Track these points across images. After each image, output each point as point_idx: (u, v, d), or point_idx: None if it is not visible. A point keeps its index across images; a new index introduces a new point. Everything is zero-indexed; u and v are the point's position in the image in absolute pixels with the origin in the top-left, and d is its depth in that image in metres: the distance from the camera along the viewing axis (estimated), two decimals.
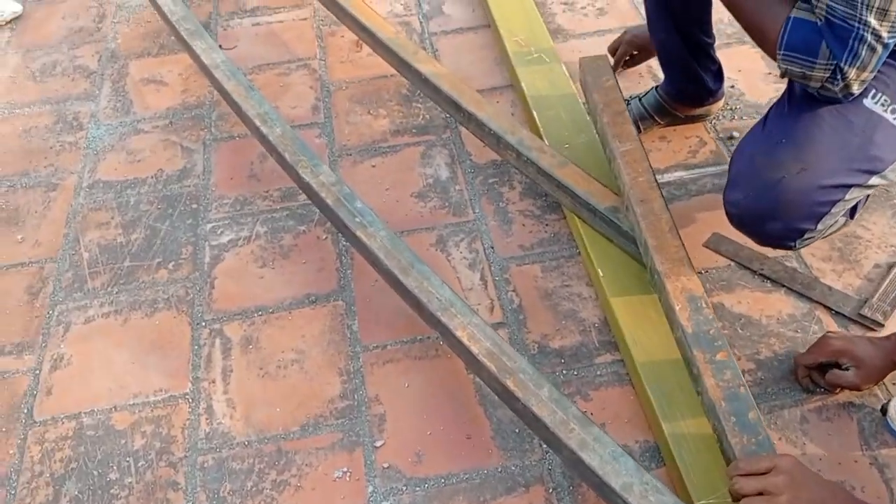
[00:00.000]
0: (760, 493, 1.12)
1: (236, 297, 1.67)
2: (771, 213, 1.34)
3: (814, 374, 1.41)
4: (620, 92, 1.76)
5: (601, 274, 1.56)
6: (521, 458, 1.38)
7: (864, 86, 1.29)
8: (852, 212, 1.55)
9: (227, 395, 1.50)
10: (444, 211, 1.82)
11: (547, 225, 1.76)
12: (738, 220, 1.42)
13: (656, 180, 1.56)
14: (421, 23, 2.38)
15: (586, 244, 1.62)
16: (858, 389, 1.36)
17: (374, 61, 2.18)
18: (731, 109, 1.99)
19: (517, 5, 2.26)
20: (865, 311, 1.52)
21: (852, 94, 1.28)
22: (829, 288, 1.58)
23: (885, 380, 1.40)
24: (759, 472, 1.14)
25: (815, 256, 1.64)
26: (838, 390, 1.40)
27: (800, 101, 1.37)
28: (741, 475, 1.16)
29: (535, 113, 1.91)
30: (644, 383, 1.39)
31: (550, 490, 1.33)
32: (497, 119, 1.80)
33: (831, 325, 1.52)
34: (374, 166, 1.94)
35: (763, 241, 1.45)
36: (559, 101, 1.93)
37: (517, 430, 1.41)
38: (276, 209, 1.85)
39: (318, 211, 1.80)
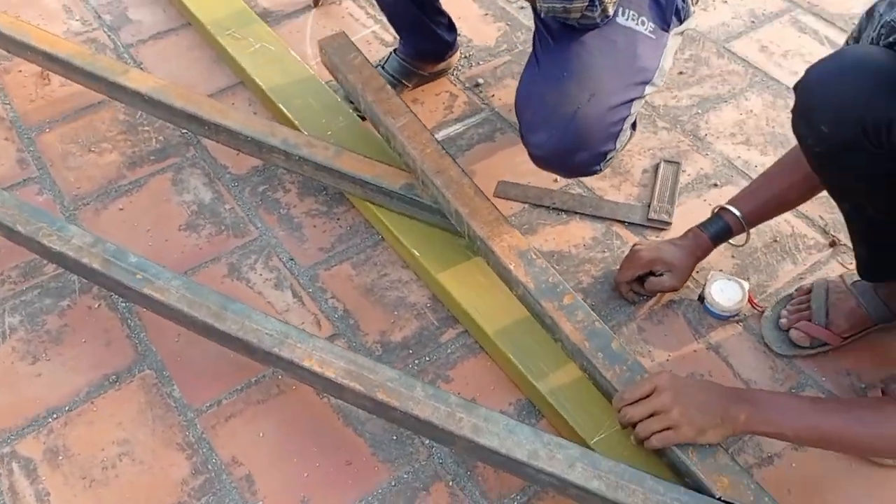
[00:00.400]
0: (651, 415, 1.18)
1: (17, 409, 1.39)
2: (577, 145, 1.38)
3: (634, 286, 1.50)
4: (372, 66, 1.70)
5: (417, 254, 1.52)
6: (409, 463, 1.32)
7: (615, 6, 1.36)
8: (634, 123, 1.66)
9: None
10: (223, 236, 1.65)
11: (338, 219, 1.67)
12: (546, 161, 1.44)
13: (443, 147, 1.53)
14: (109, 36, 2.11)
15: (391, 228, 1.57)
16: (676, 289, 1.47)
17: (73, 91, 1.91)
18: (466, 58, 2.02)
19: None
20: (652, 215, 1.64)
21: (608, 17, 1.35)
22: (616, 203, 1.68)
23: (693, 273, 1.53)
24: (643, 397, 1.19)
25: (592, 177, 1.73)
26: (660, 295, 1.51)
27: (561, 35, 1.42)
28: (627, 405, 1.20)
29: (281, 107, 1.79)
30: (500, 346, 1.38)
31: (450, 483, 1.29)
32: (250, 123, 1.66)
33: (629, 236, 1.63)
34: (121, 209, 1.71)
35: (571, 173, 1.50)
36: (302, 88, 1.83)
37: (394, 437, 1.35)
38: (23, 290, 1.56)
39: (77, 278, 1.55)
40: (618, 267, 1.54)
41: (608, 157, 1.44)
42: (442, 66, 1.91)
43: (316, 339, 1.31)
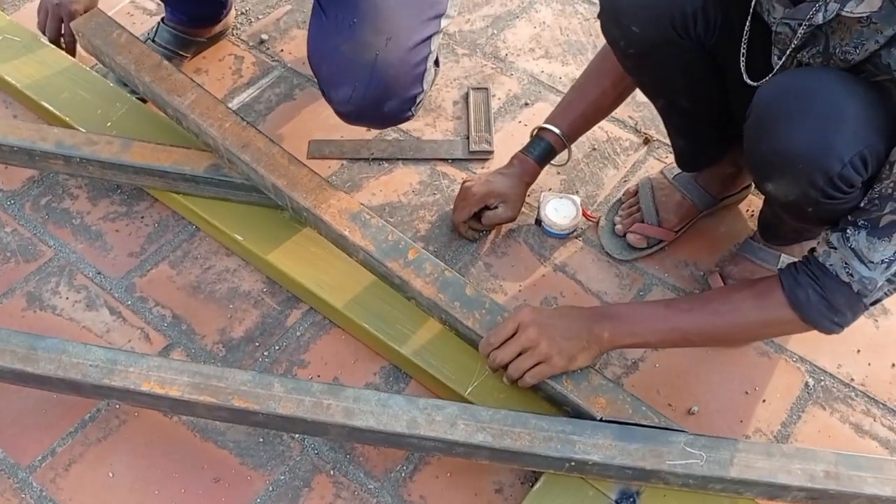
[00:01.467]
0: (520, 354, 1.16)
1: None
2: (383, 94, 1.30)
3: (472, 223, 1.46)
4: (142, 42, 1.51)
5: (240, 238, 1.40)
6: (283, 463, 1.23)
7: None
8: (436, 60, 1.59)
9: None
10: (12, 264, 1.44)
11: (142, 218, 1.51)
12: (355, 116, 1.35)
13: (242, 118, 1.40)
14: None
15: (204, 216, 1.43)
16: (513, 219, 1.45)
17: None
18: (243, 14, 1.86)
19: None
20: (473, 147, 1.60)
21: None
22: (435, 142, 1.62)
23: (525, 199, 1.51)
24: (507, 337, 1.17)
25: None
26: (498, 227, 1.48)
27: None
28: (495, 349, 1.18)
29: (46, 104, 1.57)
30: (352, 317, 1.31)
31: (332, 472, 1.22)
32: (13, 130, 1.44)
33: (455, 173, 1.58)
34: None
35: (384, 124, 1.42)
36: (65, 79, 1.60)
37: (261, 440, 1.25)
38: None
39: None
40: (451, 207, 1.49)
41: (418, 101, 1.37)
42: (219, 28, 1.74)
43: (149, 357, 1.18)
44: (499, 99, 1.70)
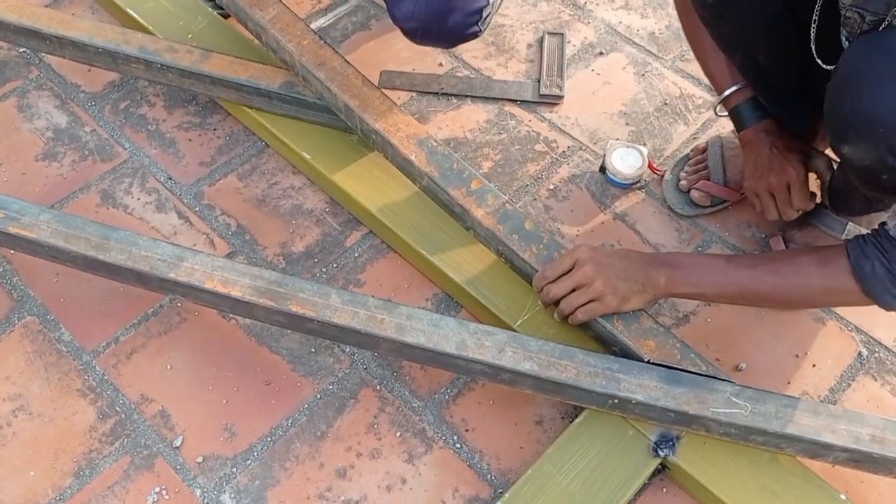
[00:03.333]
0: (573, 290, 1.17)
1: None
2: (446, 6, 1.28)
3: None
4: None
5: (308, 156, 1.43)
6: (332, 374, 1.27)
7: None
8: None
9: None
10: (89, 161, 1.49)
11: (215, 129, 1.54)
12: (421, 32, 1.33)
13: (321, 37, 1.42)
14: None
15: (275, 132, 1.46)
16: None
17: None
18: None
19: None
20: (543, 90, 1.60)
21: None
22: (505, 82, 1.62)
23: (591, 144, 1.51)
24: (563, 273, 1.18)
25: (477, 58, 1.66)
26: (560, 172, 1.49)
27: None
28: (549, 283, 1.19)
29: (130, 11, 1.61)
30: (409, 242, 1.33)
31: (378, 387, 1.26)
32: (100, 33, 1.48)
33: (522, 114, 1.58)
34: None
35: (450, 41, 1.39)
36: None
37: (312, 350, 1.29)
38: None
39: None
40: (514, 147, 1.50)
41: (485, 16, 1.34)
42: None
43: (214, 257, 1.22)
44: (573, 46, 1.69)
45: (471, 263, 1.30)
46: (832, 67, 1.06)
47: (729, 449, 1.14)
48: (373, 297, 1.19)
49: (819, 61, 1.10)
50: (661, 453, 1.13)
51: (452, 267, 1.30)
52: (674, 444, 1.14)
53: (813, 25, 1.08)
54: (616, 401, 1.12)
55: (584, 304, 1.16)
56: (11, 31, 1.51)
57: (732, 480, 1.12)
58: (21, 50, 1.63)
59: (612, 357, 1.16)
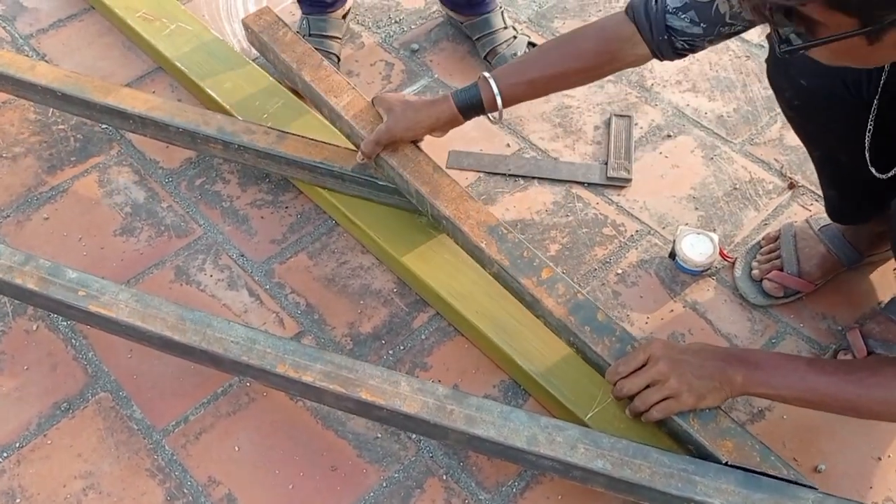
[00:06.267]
0: (647, 386, 1.15)
1: None
2: None
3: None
4: (305, 42, 1.59)
5: (377, 237, 1.44)
6: (398, 461, 1.26)
7: None
8: None
9: None
10: (165, 237, 1.53)
11: (287, 208, 1.57)
12: None
13: None
14: (4, 28, 1.92)
15: (346, 213, 1.48)
16: (390, 133, 1.36)
17: None
18: (397, 23, 1.92)
19: None
20: (611, 173, 1.60)
21: None
22: (572, 164, 1.63)
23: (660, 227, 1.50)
24: (636, 368, 1.16)
25: (544, 139, 1.68)
26: (630, 258, 1.48)
27: None
28: (623, 378, 1.17)
29: (210, 91, 1.67)
30: (478, 327, 1.33)
31: (444, 476, 1.24)
32: (180, 113, 1.53)
33: (590, 197, 1.58)
34: (47, 218, 1.56)
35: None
36: (228, 69, 1.70)
37: (377, 436, 1.28)
38: None
39: (7, 300, 1.42)
40: (582, 230, 1.50)
41: None
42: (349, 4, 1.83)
43: (286, 341, 1.23)
44: (641, 128, 1.70)
45: (540, 351, 1.29)
46: (884, 176, 1.06)
47: None
48: (442, 385, 1.19)
49: (872, 169, 1.09)
50: None
51: (521, 354, 1.29)
52: None
53: (868, 135, 1.08)
54: None
55: (658, 402, 1.14)
56: (96, 109, 1.57)
57: None
58: (103, 127, 1.70)
59: (688, 458, 1.13)
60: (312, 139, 1.50)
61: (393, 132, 1.36)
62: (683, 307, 1.42)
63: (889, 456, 1.25)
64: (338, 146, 1.49)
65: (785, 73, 1.11)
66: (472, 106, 1.31)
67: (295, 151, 1.48)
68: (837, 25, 0.77)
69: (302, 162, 1.48)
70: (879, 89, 1.07)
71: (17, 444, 1.27)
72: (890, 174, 1.11)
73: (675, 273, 1.47)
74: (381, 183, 1.45)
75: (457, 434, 1.15)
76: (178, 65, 1.72)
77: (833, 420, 1.27)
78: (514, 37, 1.79)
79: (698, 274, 1.45)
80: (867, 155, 1.10)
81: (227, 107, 1.63)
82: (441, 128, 1.36)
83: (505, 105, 1.29)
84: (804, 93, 1.10)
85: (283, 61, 1.55)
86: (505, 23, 1.80)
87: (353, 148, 1.48)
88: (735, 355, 1.15)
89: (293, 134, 1.51)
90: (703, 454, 1.13)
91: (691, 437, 1.14)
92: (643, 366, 1.15)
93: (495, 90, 1.28)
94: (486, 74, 1.29)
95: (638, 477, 1.10)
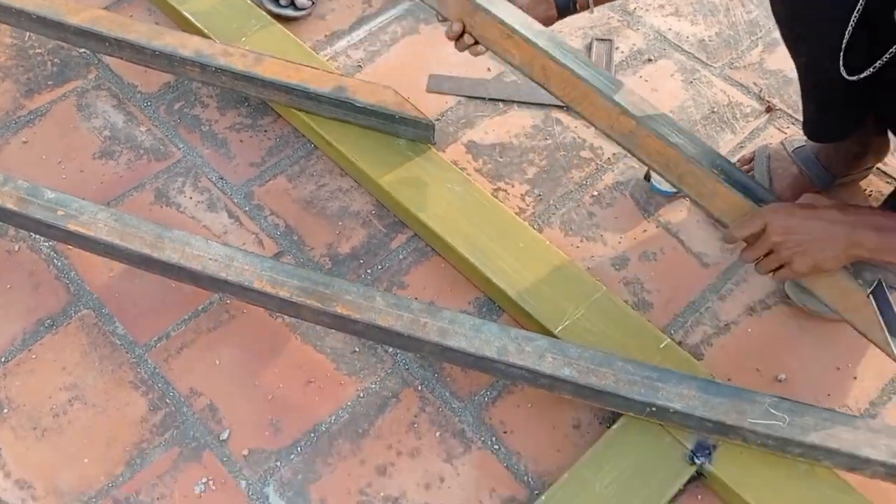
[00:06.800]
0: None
1: None
2: None
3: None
4: None
5: (355, 160, 1.46)
6: (374, 373, 1.29)
7: None
8: None
9: (11, 477, 1.20)
10: (144, 160, 1.54)
11: (266, 131, 1.58)
12: None
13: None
14: None
15: (324, 135, 1.49)
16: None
17: None
18: None
19: None
20: None
21: None
22: None
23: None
24: (753, 233, 1.12)
25: None
26: (604, 179, 1.50)
27: None
28: (744, 249, 1.14)
29: (186, 14, 1.66)
30: (453, 246, 1.36)
31: (420, 387, 1.28)
32: (157, 36, 1.53)
33: (569, 121, 1.59)
34: (26, 142, 1.57)
35: None
36: None
37: (355, 350, 1.32)
38: None
39: None
40: (560, 153, 1.51)
41: None
42: None
43: (263, 259, 1.26)
44: (622, 52, 1.70)
45: (514, 269, 1.32)
46: (855, 78, 1.06)
47: (765, 459, 1.14)
48: (416, 300, 1.22)
49: (843, 71, 1.09)
50: (698, 461, 1.14)
51: (495, 272, 1.32)
52: (710, 453, 1.14)
53: (845, 39, 1.08)
54: (654, 409, 1.13)
55: (775, 270, 1.11)
56: (72, 32, 1.57)
57: (768, 490, 1.12)
58: (81, 51, 1.69)
59: (651, 365, 1.16)
60: (290, 61, 1.51)
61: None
62: (657, 227, 1.45)
63: (849, 366, 1.29)
64: (315, 69, 1.50)
65: None
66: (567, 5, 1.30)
67: (272, 73, 1.49)
68: None
69: (279, 84, 1.48)
70: None
71: (3, 359, 1.30)
72: (861, 76, 1.10)
73: (650, 194, 1.49)
74: (358, 105, 1.45)
75: (430, 346, 1.19)
76: None
77: (796, 334, 1.32)
78: None
79: (672, 195, 1.47)
80: (841, 57, 1.10)
81: (205, 30, 1.63)
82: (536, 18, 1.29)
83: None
84: None
85: None
86: None
87: (327, 70, 1.48)
88: (865, 220, 1.07)
89: (270, 56, 1.51)
90: None
91: None
92: (763, 233, 1.10)
93: None
94: None
95: (603, 384, 1.14)
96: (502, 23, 1.23)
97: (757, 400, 1.13)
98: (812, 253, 1.07)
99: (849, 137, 1.38)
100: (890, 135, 1.38)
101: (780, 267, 1.10)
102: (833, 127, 1.36)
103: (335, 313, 1.20)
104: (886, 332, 1.08)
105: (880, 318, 1.09)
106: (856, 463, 1.10)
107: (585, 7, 1.32)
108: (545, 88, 1.26)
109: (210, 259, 1.25)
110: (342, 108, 1.47)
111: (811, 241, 1.07)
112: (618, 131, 1.22)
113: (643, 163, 1.24)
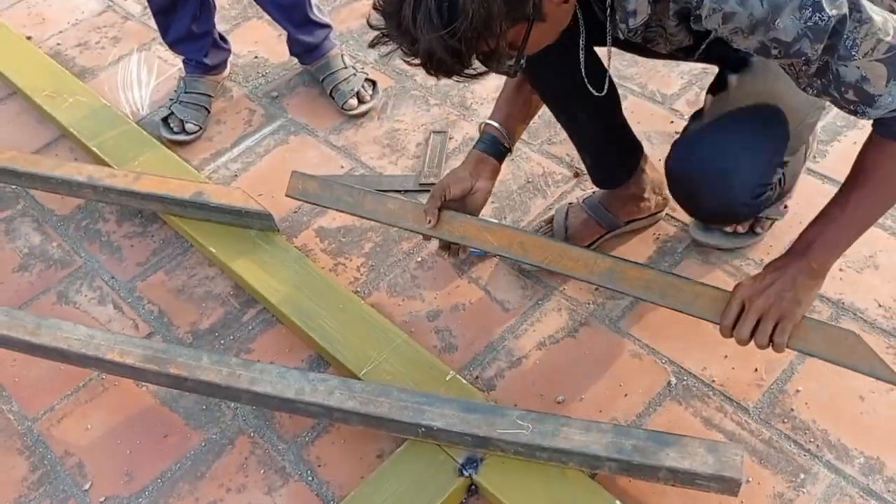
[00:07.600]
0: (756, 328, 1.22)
1: None
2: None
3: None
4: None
5: (214, 250, 1.73)
6: (216, 425, 1.52)
7: None
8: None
9: None
10: (52, 270, 1.85)
11: (152, 236, 1.88)
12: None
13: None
14: None
15: (192, 233, 1.78)
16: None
17: None
18: (263, 76, 2.24)
19: (35, 65, 2.28)
20: (422, 180, 1.87)
21: None
22: (392, 176, 1.91)
23: None
24: (738, 316, 1.23)
25: (373, 158, 1.96)
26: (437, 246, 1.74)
27: None
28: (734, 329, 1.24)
29: (94, 149, 2.00)
30: (286, 313, 1.60)
31: (252, 434, 1.50)
32: (59, 167, 1.87)
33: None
34: None
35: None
36: (111, 130, 2.03)
37: (204, 407, 1.55)
38: None
39: None
40: (393, 229, 1.77)
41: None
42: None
43: (117, 335, 1.52)
44: (456, 141, 1.97)
45: (332, 326, 1.56)
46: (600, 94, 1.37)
47: (525, 467, 1.31)
48: (235, 357, 1.46)
49: (591, 88, 1.38)
50: (466, 473, 1.32)
51: (316, 330, 1.56)
52: (477, 465, 1.33)
53: (581, 55, 1.34)
54: (423, 429, 1.33)
55: (774, 329, 1.21)
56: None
57: (526, 494, 1.29)
58: (12, 187, 2.04)
59: (422, 392, 1.37)
60: (161, 176, 1.82)
61: (443, 183, 1.46)
62: (468, 282, 1.68)
63: (621, 385, 1.47)
64: (181, 179, 1.80)
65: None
66: (496, 147, 1.48)
67: (146, 187, 1.80)
68: (518, 34, 1.01)
69: (152, 195, 1.79)
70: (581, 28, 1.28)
71: None
72: (604, 92, 1.38)
73: (468, 256, 1.72)
74: (212, 205, 1.74)
75: (245, 393, 1.42)
76: (72, 130, 2.06)
77: (576, 361, 1.51)
78: (354, 74, 2.09)
79: (484, 254, 1.70)
80: (585, 77, 1.35)
81: (106, 158, 1.96)
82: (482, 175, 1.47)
83: (512, 131, 1.49)
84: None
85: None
86: (344, 63, 2.11)
87: (192, 180, 1.78)
88: (798, 253, 1.23)
89: (147, 173, 1.83)
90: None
91: None
92: (744, 310, 1.23)
93: (498, 126, 1.47)
94: (487, 120, 1.49)
95: (379, 411, 1.35)
96: (478, 220, 1.46)
97: (507, 414, 1.32)
98: (791, 298, 1.20)
99: (624, 182, 1.61)
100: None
101: (777, 325, 1.20)
102: (609, 171, 1.60)
103: (169, 373, 1.45)
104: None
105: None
106: (591, 461, 1.27)
107: (512, 144, 1.50)
108: (524, 261, 1.43)
109: (75, 339, 1.52)
110: (203, 210, 1.77)
111: (784, 290, 1.21)
112: (597, 273, 1.36)
113: (625, 294, 1.40)
